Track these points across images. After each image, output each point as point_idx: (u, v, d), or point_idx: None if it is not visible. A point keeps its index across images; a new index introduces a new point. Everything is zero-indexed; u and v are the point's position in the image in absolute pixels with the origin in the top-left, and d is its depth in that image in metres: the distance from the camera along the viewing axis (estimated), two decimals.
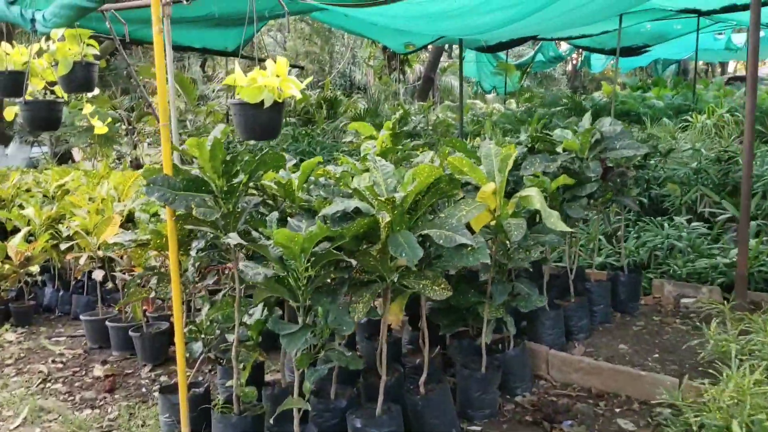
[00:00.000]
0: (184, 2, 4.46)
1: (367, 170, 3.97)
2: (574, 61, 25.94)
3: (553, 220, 3.58)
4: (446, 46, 18.99)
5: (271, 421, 3.46)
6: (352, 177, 3.80)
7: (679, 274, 5.69)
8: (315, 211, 3.54)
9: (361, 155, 4.38)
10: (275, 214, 3.45)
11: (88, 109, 4.82)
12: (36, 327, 6.29)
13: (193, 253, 3.62)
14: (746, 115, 4.68)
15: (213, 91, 16.60)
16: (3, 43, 4.52)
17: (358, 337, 4.72)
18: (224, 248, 3.56)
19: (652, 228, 6.41)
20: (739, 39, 17.21)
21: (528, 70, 18.85)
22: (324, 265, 3.23)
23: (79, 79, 4.31)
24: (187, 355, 3.75)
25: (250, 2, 3.70)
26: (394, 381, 3.86)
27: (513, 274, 4.23)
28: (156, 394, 4.47)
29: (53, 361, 5.34)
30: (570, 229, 3.70)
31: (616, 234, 6.41)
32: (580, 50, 18.47)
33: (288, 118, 12.11)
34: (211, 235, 3.50)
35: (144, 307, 5.34)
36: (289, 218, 3.48)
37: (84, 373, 5.10)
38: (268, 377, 4.47)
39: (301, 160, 4.53)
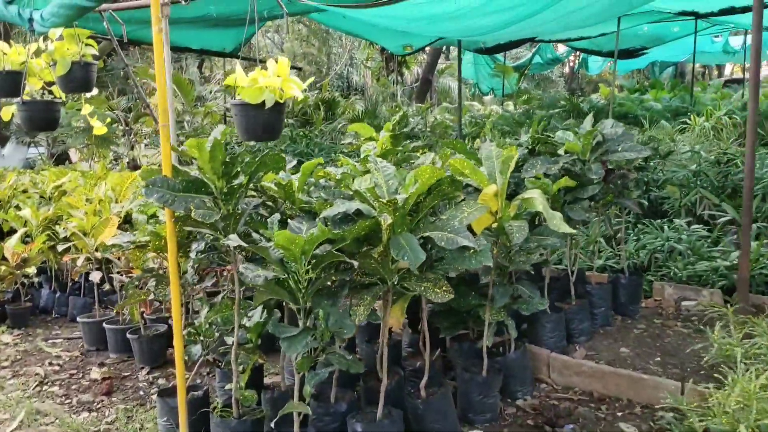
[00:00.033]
0: (183, 2, 4.44)
1: (368, 172, 3.94)
2: (572, 63, 25.98)
3: (555, 221, 3.55)
4: (444, 48, 19.00)
5: (272, 425, 3.43)
6: (353, 178, 3.77)
7: (680, 277, 5.67)
8: (315, 213, 3.51)
9: (362, 157, 4.35)
10: (277, 216, 3.42)
11: (87, 109, 4.78)
12: (32, 329, 6.25)
13: (192, 255, 3.58)
14: (748, 117, 4.66)
15: (210, 92, 16.55)
16: (0, 42, 4.49)
17: (358, 339, 4.68)
18: (224, 250, 3.53)
19: (651, 230, 6.39)
20: (737, 42, 17.25)
21: (525, 72, 18.87)
22: (325, 267, 3.21)
23: (77, 79, 4.27)
24: (186, 357, 3.71)
25: (252, 2, 3.66)
26: (395, 384, 3.83)
27: (514, 277, 4.20)
28: (154, 397, 4.43)
29: (50, 364, 5.30)
30: (573, 231, 3.67)
31: (616, 236, 6.39)
32: (578, 52, 18.49)
33: (286, 120, 12.07)
34: (211, 237, 3.47)
35: (142, 309, 5.31)
36: (289, 220, 3.45)
37: (81, 375, 5.06)
38: (267, 380, 4.43)
39: (300, 162, 4.50)
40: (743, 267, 4.79)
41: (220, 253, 3.59)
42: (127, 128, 13.12)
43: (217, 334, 3.87)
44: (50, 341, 5.86)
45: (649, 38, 13.91)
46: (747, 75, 17.53)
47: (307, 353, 3.32)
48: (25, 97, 4.43)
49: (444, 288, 3.21)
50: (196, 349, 3.88)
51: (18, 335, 6.06)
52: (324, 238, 3.05)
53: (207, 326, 3.83)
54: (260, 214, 3.67)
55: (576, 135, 4.69)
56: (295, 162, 4.04)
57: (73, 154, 14.37)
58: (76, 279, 6.42)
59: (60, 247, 5.99)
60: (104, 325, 5.41)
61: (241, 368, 3.69)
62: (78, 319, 5.78)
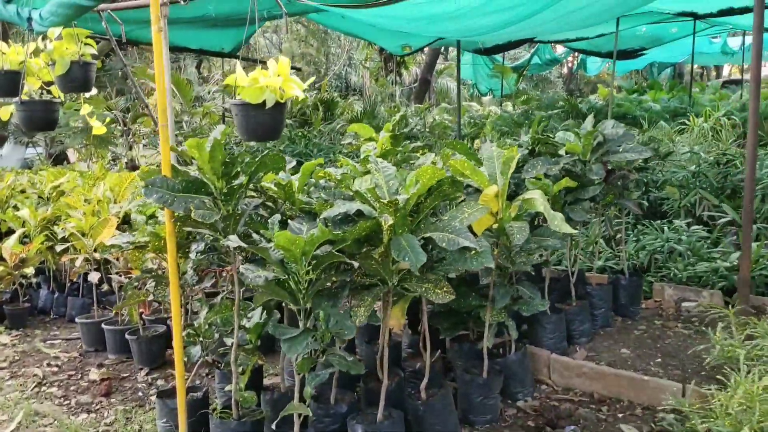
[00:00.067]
0: (182, 2, 4.43)
1: (368, 172, 3.93)
2: (570, 64, 25.96)
3: (557, 222, 3.54)
4: (442, 48, 18.99)
5: (273, 427, 3.41)
6: (353, 179, 3.76)
7: (680, 278, 5.66)
8: (315, 214, 3.50)
9: (362, 157, 4.34)
10: (277, 217, 3.41)
11: (86, 109, 4.76)
12: (31, 329, 6.22)
13: (192, 255, 3.57)
14: (749, 117, 4.65)
15: (209, 93, 16.53)
16: None
17: (357, 341, 4.67)
18: (224, 251, 3.51)
19: (651, 231, 6.38)
20: (735, 42, 17.27)
21: (524, 72, 18.86)
22: (325, 268, 3.19)
23: (76, 79, 4.26)
24: (185, 359, 3.70)
25: (252, 2, 3.65)
26: (395, 386, 3.82)
27: (514, 278, 4.19)
28: (153, 398, 4.41)
29: (48, 365, 5.28)
30: (574, 231, 3.66)
31: (615, 237, 6.38)
32: (576, 53, 18.49)
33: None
34: (211, 238, 3.45)
35: (140, 310, 5.29)
36: (289, 221, 3.43)
37: (79, 376, 5.04)
38: (266, 381, 4.41)
39: (299, 162, 4.48)
40: (744, 268, 4.78)
41: (219, 253, 3.58)
42: (125, 128, 13.10)
43: (216, 335, 3.85)
44: (49, 342, 5.84)
45: (648, 39, 13.92)
46: (745, 76, 17.59)
47: (308, 354, 3.30)
48: (24, 97, 4.41)
49: (445, 289, 3.20)
50: (196, 350, 3.87)
51: (16, 336, 6.04)
52: (324, 238, 3.04)
53: (206, 327, 3.81)
54: (260, 215, 3.66)
55: (577, 135, 4.68)
56: (294, 163, 4.03)
57: (72, 155, 14.35)
58: (75, 279, 6.40)
59: (58, 248, 5.98)
60: (103, 325, 5.40)
61: (240, 369, 3.67)
62: (76, 319, 5.75)
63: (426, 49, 15.01)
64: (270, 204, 3.79)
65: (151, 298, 4.38)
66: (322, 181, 4.01)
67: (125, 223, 5.70)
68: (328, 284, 3.28)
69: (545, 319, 4.55)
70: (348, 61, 23.09)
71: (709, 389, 3.33)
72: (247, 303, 3.73)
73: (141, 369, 5.05)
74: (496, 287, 3.93)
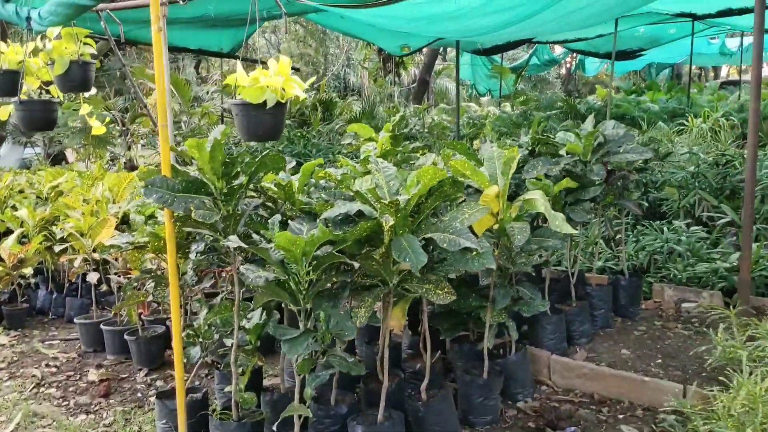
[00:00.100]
0: (181, 2, 4.41)
1: (368, 173, 3.92)
2: (568, 65, 25.95)
3: (558, 222, 3.54)
4: (441, 49, 18.98)
5: (273, 428, 3.39)
6: (354, 179, 3.75)
7: (680, 279, 5.65)
8: (316, 214, 3.49)
9: (362, 157, 4.33)
10: (277, 217, 3.39)
11: (85, 109, 4.74)
12: (29, 330, 6.21)
13: (192, 256, 3.55)
14: (750, 118, 4.64)
15: (207, 93, 16.51)
16: None
17: (357, 341, 4.66)
18: (223, 251, 3.50)
19: (651, 232, 6.38)
20: (733, 43, 17.28)
21: (523, 73, 18.85)
22: (326, 268, 3.18)
23: (75, 78, 4.24)
24: (184, 359, 3.68)
25: (253, 2, 3.64)
26: (395, 386, 3.81)
27: (514, 279, 4.18)
28: (152, 399, 4.40)
29: (47, 365, 5.26)
30: (575, 232, 3.65)
31: (615, 238, 6.38)
32: (575, 54, 18.48)
33: None
34: (211, 238, 3.44)
35: (139, 311, 5.27)
36: (289, 221, 3.42)
37: (78, 377, 5.02)
38: (265, 382, 4.40)
39: (298, 163, 4.47)
40: (744, 269, 4.77)
41: (219, 254, 3.57)
42: (123, 129, 13.08)
43: (216, 336, 3.83)
44: (47, 342, 5.82)
45: (646, 40, 13.91)
46: (743, 77, 17.60)
47: (308, 356, 3.29)
48: (23, 97, 4.40)
49: (446, 290, 3.19)
50: (195, 351, 3.85)
51: (14, 336, 6.02)
52: (325, 239, 3.03)
53: (206, 328, 3.80)
54: (260, 215, 3.65)
55: (577, 136, 4.67)
56: (294, 163, 4.02)
57: (70, 155, 14.32)
58: (73, 280, 6.38)
59: (57, 248, 5.96)
60: (102, 326, 5.38)
61: (240, 370, 3.66)
62: (75, 320, 5.73)
63: (424, 50, 15.01)
64: (270, 204, 3.78)
65: (150, 298, 4.37)
66: (322, 182, 4.00)
67: (124, 223, 5.69)
68: (329, 285, 3.27)
69: (545, 319, 4.54)
70: (346, 62, 23.07)
71: (711, 391, 3.32)
72: (246, 304, 3.72)
73: (140, 370, 5.03)
74: (496, 288, 3.92)
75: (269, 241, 3.20)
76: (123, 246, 4.23)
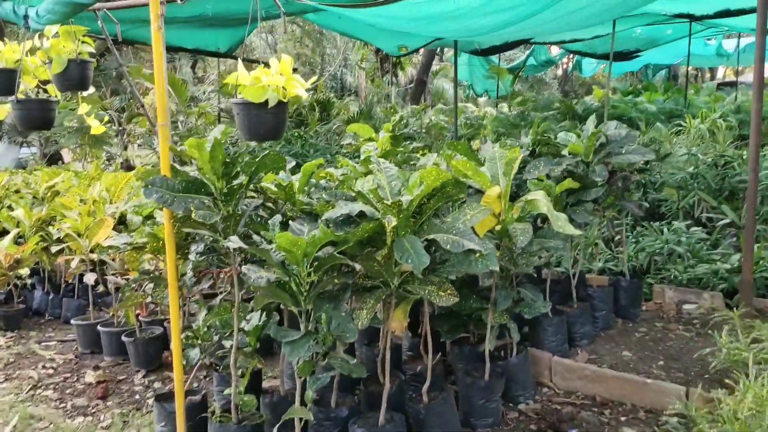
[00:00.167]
0: (179, 2, 4.37)
1: (368, 173, 3.89)
2: (565, 66, 25.96)
3: (560, 223, 3.51)
4: (438, 49, 18.96)
5: (274, 431, 3.35)
6: (355, 180, 3.72)
7: (680, 280, 5.63)
8: (316, 215, 3.46)
9: (362, 157, 4.30)
10: (278, 218, 3.36)
11: (84, 108, 4.69)
12: (25, 331, 6.16)
13: (192, 257, 3.52)
14: (752, 118, 4.62)
15: (204, 93, 16.46)
16: None
17: (357, 343, 4.62)
18: (223, 252, 3.46)
19: (650, 233, 6.36)
20: (730, 44, 17.29)
21: (520, 74, 18.82)
22: (327, 270, 3.15)
23: (73, 77, 4.19)
24: (183, 361, 3.64)
25: (254, 2, 3.60)
26: (396, 389, 3.78)
27: (515, 280, 4.15)
28: (150, 401, 4.37)
29: (44, 367, 5.22)
30: (578, 232, 3.62)
31: (614, 239, 6.36)
32: (571, 54, 18.47)
33: None
34: (210, 239, 3.41)
35: (137, 312, 5.23)
36: (290, 222, 3.39)
37: (75, 379, 4.98)
38: (264, 384, 4.36)
39: (296, 163, 4.44)
40: (747, 270, 4.75)
41: (219, 255, 3.53)
42: (120, 128, 13.02)
43: (215, 338, 3.80)
44: (44, 344, 5.78)
45: (643, 41, 13.91)
46: (740, 78, 17.61)
47: (309, 358, 3.26)
48: (20, 96, 4.35)
49: (448, 291, 3.16)
50: (194, 353, 3.81)
51: (11, 338, 5.98)
52: (326, 240, 3.00)
53: (205, 329, 3.76)
54: (260, 216, 3.62)
55: (578, 137, 4.65)
56: (293, 163, 3.98)
57: (66, 154, 14.27)
58: (70, 281, 6.34)
59: (53, 249, 5.92)
60: (99, 327, 5.34)
61: (240, 372, 3.63)
62: (72, 321, 5.70)
63: (422, 50, 14.98)
64: (270, 205, 3.75)
65: (148, 300, 4.33)
66: (322, 182, 3.98)
67: (121, 223, 5.65)
68: (330, 286, 3.24)
69: (547, 321, 4.52)
70: (344, 62, 23.04)
71: (717, 393, 3.29)
72: (245, 305, 3.68)
73: (138, 371, 4.99)
74: (498, 289, 3.90)
75: (270, 242, 3.16)
76: (121, 247, 4.20)
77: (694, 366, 4.26)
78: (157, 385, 4.76)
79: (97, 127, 4.70)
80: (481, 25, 6.72)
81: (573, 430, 3.80)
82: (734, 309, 4.26)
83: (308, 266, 3.04)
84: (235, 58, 10.31)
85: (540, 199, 3.64)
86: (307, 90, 3.35)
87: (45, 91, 4.50)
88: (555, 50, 18.29)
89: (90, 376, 4.91)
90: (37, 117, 4.40)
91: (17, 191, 7.31)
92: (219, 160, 3.19)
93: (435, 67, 21.70)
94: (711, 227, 6.44)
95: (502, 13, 6.06)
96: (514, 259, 3.86)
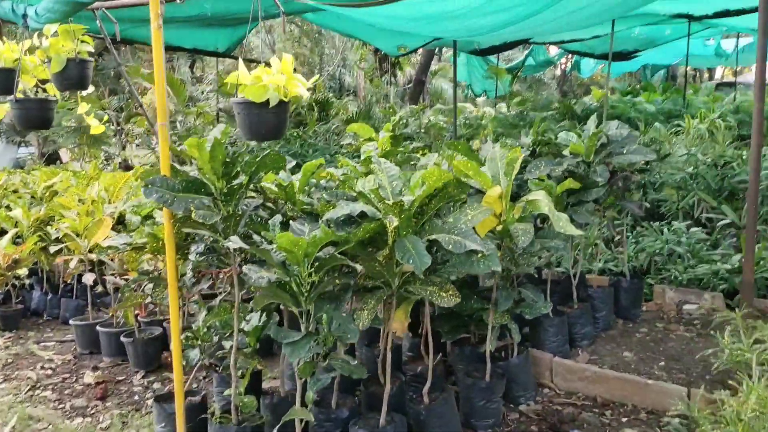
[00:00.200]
0: (177, 1, 4.35)
1: (369, 173, 3.87)
2: (564, 66, 25.95)
3: (562, 223, 3.49)
4: (437, 49, 18.94)
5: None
6: (356, 179, 3.70)
7: (680, 280, 5.62)
8: (317, 215, 3.45)
9: (363, 157, 4.29)
10: (278, 218, 3.34)
11: (83, 108, 4.67)
12: (24, 331, 6.14)
13: (192, 257, 3.50)
14: (753, 119, 4.61)
15: (202, 93, 16.44)
16: None
17: (357, 344, 4.59)
18: (223, 252, 3.44)
19: (650, 233, 6.34)
20: (729, 45, 17.29)
21: (518, 74, 18.81)
22: (328, 270, 3.13)
23: (73, 76, 4.17)
24: (183, 362, 3.62)
25: (255, 1, 3.59)
26: (396, 389, 3.76)
27: (516, 281, 4.14)
28: (149, 402, 4.35)
29: (42, 367, 5.20)
30: (580, 232, 3.61)
31: (614, 239, 6.34)
32: (570, 54, 18.46)
33: None
34: (210, 239, 3.39)
35: (136, 312, 5.21)
36: (291, 222, 3.37)
37: (74, 379, 4.96)
38: (264, 384, 4.34)
39: (296, 163, 4.42)
40: (748, 270, 4.73)
41: (219, 255, 3.51)
42: (118, 128, 13.00)
43: (215, 339, 3.78)
44: (42, 344, 5.76)
45: (642, 41, 13.89)
46: (738, 78, 17.61)
47: (310, 359, 3.24)
48: (19, 95, 4.33)
49: (450, 292, 3.15)
50: (194, 354, 3.79)
51: (9, 338, 5.95)
52: (327, 240, 2.99)
53: (205, 330, 3.74)
54: (260, 216, 3.60)
55: (579, 136, 4.64)
56: (294, 163, 3.97)
57: (64, 154, 14.23)
58: (69, 281, 6.31)
59: (52, 249, 5.90)
60: (98, 327, 5.32)
61: (240, 373, 3.61)
62: (70, 321, 5.68)
63: (420, 50, 14.96)
64: (270, 205, 3.73)
65: (148, 300, 4.31)
66: (323, 182, 3.96)
67: (120, 223, 5.63)
68: (331, 287, 3.22)
69: (547, 321, 4.50)
70: (342, 62, 23.01)
71: (719, 395, 3.27)
72: (245, 305, 3.66)
73: (137, 372, 4.97)
74: (499, 290, 3.89)
75: (270, 242, 3.15)
76: (121, 247, 4.18)
77: (696, 367, 4.25)
78: (156, 385, 4.75)
79: (96, 127, 4.68)
80: (481, 25, 6.70)
81: (574, 431, 3.79)
82: (735, 309, 4.25)
83: (309, 266, 3.02)
84: (234, 57, 10.29)
85: (541, 200, 3.62)
86: (308, 89, 3.33)
87: (44, 90, 4.48)
88: (553, 50, 18.29)
89: (89, 377, 4.89)
90: (36, 116, 4.38)
91: (15, 191, 7.29)
92: (219, 160, 3.18)
93: (433, 67, 21.67)
94: (711, 227, 6.43)
95: (502, 13, 6.04)
96: (515, 259, 3.85)
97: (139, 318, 5.25)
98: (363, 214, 3.21)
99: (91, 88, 4.34)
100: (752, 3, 7.95)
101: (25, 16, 4.05)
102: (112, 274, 5.38)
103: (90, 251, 5.46)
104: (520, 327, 4.19)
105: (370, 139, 4.93)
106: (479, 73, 17.68)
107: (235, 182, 3.26)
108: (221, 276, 4.33)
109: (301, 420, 3.29)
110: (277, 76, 3.11)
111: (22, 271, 6.26)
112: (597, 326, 4.92)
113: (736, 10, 9.25)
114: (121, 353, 5.15)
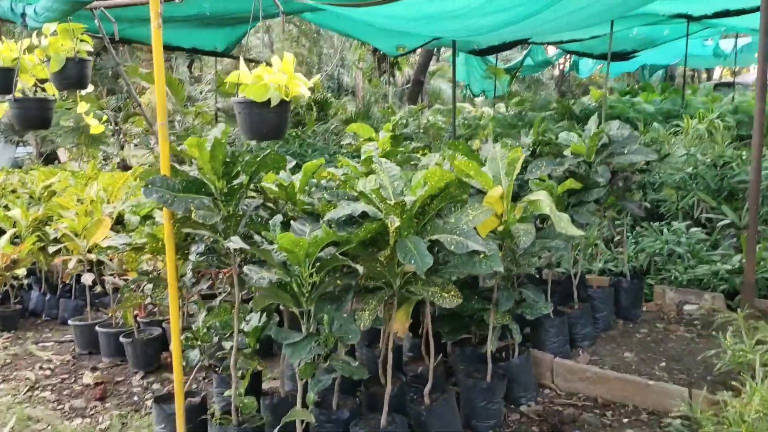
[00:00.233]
0: (176, 1, 4.34)
1: (369, 173, 3.86)
2: (562, 66, 25.95)
3: (563, 224, 3.48)
4: (435, 49, 18.92)
5: None
6: (357, 179, 3.69)
7: (680, 281, 5.61)
8: (318, 215, 3.44)
9: (363, 157, 4.27)
10: (278, 218, 3.33)
11: (83, 107, 4.65)
12: (22, 332, 6.12)
13: (192, 257, 3.48)
14: (755, 119, 4.60)
15: (201, 93, 16.42)
16: None
17: (358, 345, 4.58)
18: (223, 253, 3.43)
19: (650, 233, 6.34)
20: (727, 45, 17.30)
21: (517, 74, 18.80)
22: (329, 271, 3.12)
23: (72, 75, 4.15)
24: (183, 363, 3.61)
25: (255, 1, 3.57)
26: (397, 390, 3.74)
27: (516, 281, 4.12)
28: (149, 402, 4.33)
29: (41, 368, 5.18)
30: (581, 233, 3.60)
31: (614, 239, 6.33)
32: (568, 55, 18.46)
33: None
34: (211, 239, 3.37)
35: (135, 312, 5.19)
36: (291, 222, 3.36)
37: (73, 380, 4.94)
38: (264, 385, 4.33)
39: (296, 163, 4.41)
40: (749, 271, 4.72)
41: (219, 255, 3.50)
42: (116, 128, 12.97)
43: (215, 339, 3.76)
44: (41, 344, 5.74)
45: (641, 41, 13.89)
46: (737, 78, 17.62)
47: (311, 360, 3.23)
48: (17, 94, 4.31)
49: (452, 293, 3.13)
50: (194, 354, 3.77)
51: (8, 338, 5.93)
52: (329, 240, 2.97)
53: (205, 330, 3.73)
54: (261, 216, 3.58)
55: (579, 136, 4.63)
56: (294, 163, 3.95)
57: (62, 154, 14.20)
58: (67, 281, 6.29)
59: (50, 249, 5.88)
60: (97, 328, 5.30)
61: (240, 374, 3.60)
62: (69, 321, 5.66)
63: (419, 50, 14.94)
64: (270, 205, 3.71)
65: (147, 300, 4.29)
66: (323, 182, 3.95)
67: (118, 223, 5.61)
68: (332, 287, 3.21)
69: (548, 322, 4.49)
70: (341, 62, 22.99)
71: (721, 395, 3.26)
72: (245, 306, 3.65)
73: (136, 372, 4.96)
74: (500, 290, 3.87)
75: (270, 243, 3.13)
76: (120, 247, 4.16)
77: (697, 368, 4.24)
78: (155, 386, 4.73)
79: (96, 126, 4.66)
80: (481, 25, 6.70)
81: (575, 431, 3.78)
82: (736, 310, 4.24)
83: (310, 267, 3.01)
84: (232, 57, 10.28)
85: (543, 200, 3.61)
86: (308, 89, 3.32)
87: (43, 89, 4.46)
88: (552, 50, 18.28)
89: (88, 378, 4.87)
90: (34, 116, 4.36)
91: (14, 191, 7.27)
92: (219, 160, 3.16)
93: (432, 67, 21.66)
94: (710, 228, 6.42)
95: (502, 13, 6.03)
96: (516, 259, 3.83)
97: (138, 318, 5.24)
98: (364, 215, 3.20)
99: (90, 88, 4.32)
100: (752, 3, 7.95)
101: (23, 14, 4.04)
102: (111, 275, 5.37)
103: (89, 251, 5.44)
104: (521, 327, 4.18)
105: (370, 139, 4.92)
106: (478, 73, 17.67)
107: (235, 182, 3.25)
108: (221, 276, 4.31)
109: (302, 421, 3.27)
110: (278, 76, 3.09)
111: (21, 272, 6.24)
112: (597, 327, 4.91)
113: (736, 10, 9.23)
114: (121, 354, 5.13)
